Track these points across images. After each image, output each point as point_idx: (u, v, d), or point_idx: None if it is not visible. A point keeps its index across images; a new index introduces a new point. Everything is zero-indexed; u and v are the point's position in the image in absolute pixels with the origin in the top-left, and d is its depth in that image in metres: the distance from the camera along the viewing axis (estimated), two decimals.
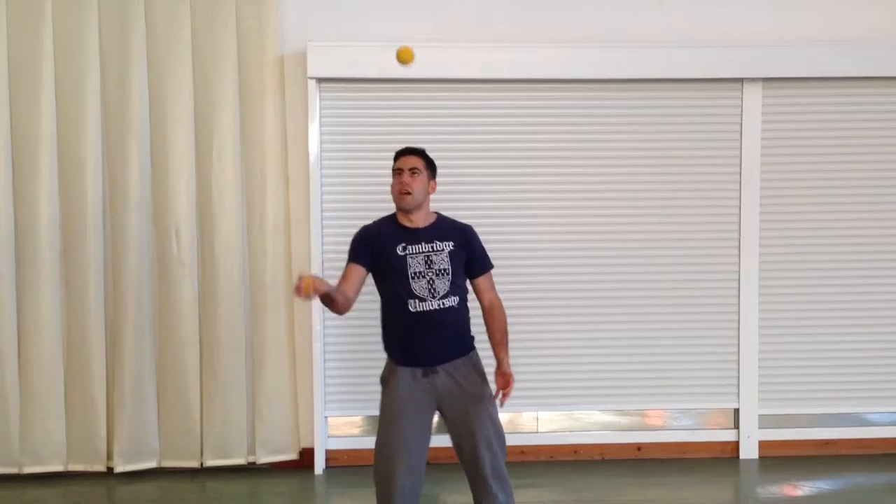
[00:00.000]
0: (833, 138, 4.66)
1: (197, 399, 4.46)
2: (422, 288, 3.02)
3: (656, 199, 4.64)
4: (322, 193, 4.50)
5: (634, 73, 4.51)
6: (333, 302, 3.02)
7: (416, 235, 3.08)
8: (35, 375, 4.39)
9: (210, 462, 4.48)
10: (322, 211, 4.49)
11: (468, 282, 3.18)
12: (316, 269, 4.44)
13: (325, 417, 4.55)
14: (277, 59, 4.45)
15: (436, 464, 4.58)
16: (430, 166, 3.20)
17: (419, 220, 3.11)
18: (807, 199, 4.68)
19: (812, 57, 4.53)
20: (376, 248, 3.09)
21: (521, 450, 4.66)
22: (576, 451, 4.71)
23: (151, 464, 4.48)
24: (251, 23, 4.41)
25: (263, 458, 4.50)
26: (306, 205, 4.47)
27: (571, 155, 4.60)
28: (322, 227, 4.49)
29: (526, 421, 4.78)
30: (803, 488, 4.24)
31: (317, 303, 4.37)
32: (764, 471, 4.53)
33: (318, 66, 4.38)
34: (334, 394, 4.57)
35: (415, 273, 3.02)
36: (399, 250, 3.05)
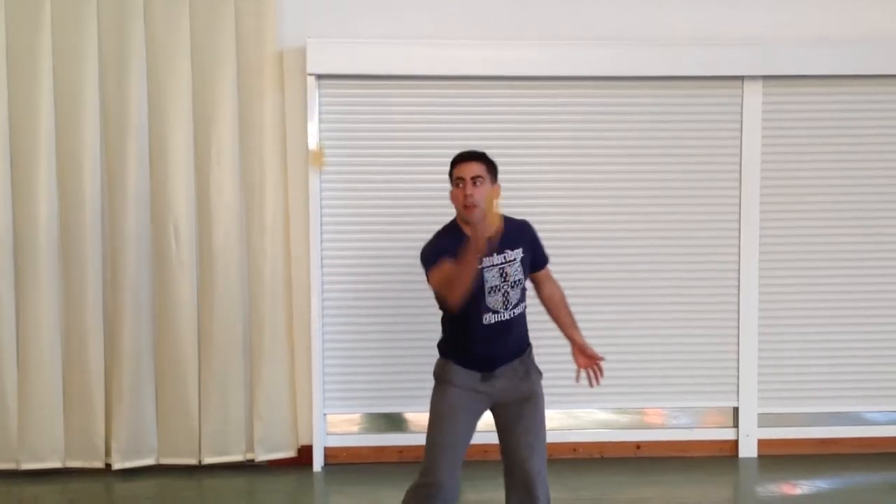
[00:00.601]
0: (834, 137, 4.65)
1: (195, 396, 4.45)
2: (496, 301, 2.95)
3: (655, 198, 4.63)
4: (321, 190, 4.49)
5: (634, 71, 4.50)
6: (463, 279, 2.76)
7: (488, 247, 2.84)
8: (33, 372, 4.38)
9: (208, 459, 4.48)
10: (321, 208, 4.49)
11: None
12: (315, 267, 4.44)
13: (324, 415, 4.54)
14: (276, 55, 4.44)
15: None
16: (492, 170, 3.01)
17: (487, 229, 2.80)
18: (807, 198, 4.67)
19: (813, 55, 4.52)
20: (453, 255, 2.82)
21: None
22: (575, 450, 4.70)
23: (150, 461, 4.47)
24: (250, 19, 4.40)
25: (262, 456, 4.49)
26: (305, 202, 4.45)
27: (571, 153, 4.59)
28: (321, 225, 4.48)
29: None
30: (802, 487, 4.24)
31: (316, 299, 4.39)
32: (763, 469, 4.53)
33: (318, 62, 4.36)
34: (333, 391, 4.57)
35: (491, 287, 2.92)
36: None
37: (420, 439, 4.85)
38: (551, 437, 4.63)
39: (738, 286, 4.66)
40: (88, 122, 4.35)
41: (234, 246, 4.43)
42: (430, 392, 4.62)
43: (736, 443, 4.72)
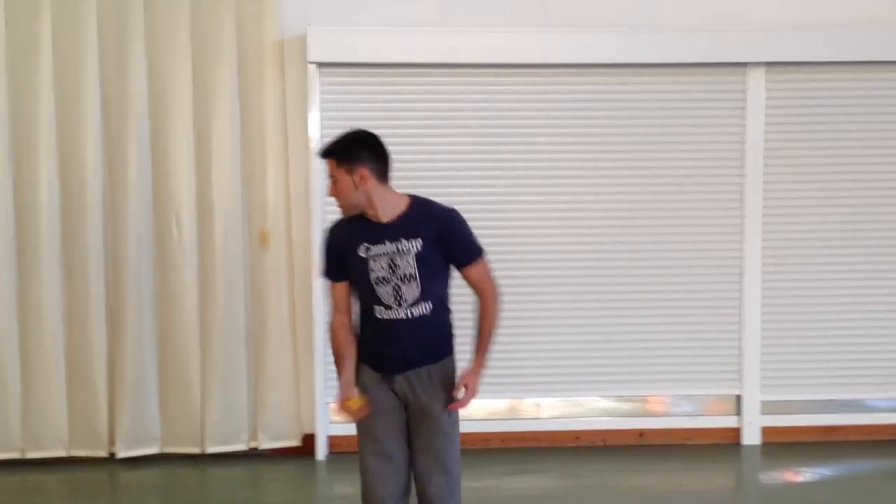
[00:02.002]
0: (838, 123, 4.62)
1: (198, 385, 4.46)
2: (387, 294, 2.62)
3: (658, 185, 4.61)
4: (323, 179, 4.47)
5: (637, 58, 4.47)
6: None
7: (379, 233, 2.63)
8: (36, 361, 4.39)
9: (211, 448, 4.48)
10: (323, 196, 4.47)
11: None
12: (315, 254, 4.43)
13: (327, 403, 4.54)
14: (277, 43, 4.42)
15: None
16: (346, 160, 2.62)
17: (384, 213, 2.63)
18: (810, 185, 4.64)
19: (817, 41, 4.48)
20: (342, 251, 2.70)
21: (522, 436, 4.67)
22: (577, 438, 4.70)
23: (153, 450, 4.48)
24: (250, 7, 4.38)
25: (265, 445, 4.50)
26: (307, 190, 4.45)
27: (573, 141, 4.57)
28: (323, 213, 4.47)
29: (527, 407, 4.77)
30: (805, 474, 4.24)
31: (317, 289, 4.39)
32: (766, 457, 4.52)
33: (319, 50, 4.34)
34: (336, 380, 4.54)
35: (378, 279, 2.61)
36: (361, 252, 2.63)
37: None
38: (554, 425, 4.70)
39: (741, 274, 4.64)
40: (89, 111, 4.35)
41: (237, 235, 4.42)
42: None
43: (739, 430, 4.71)
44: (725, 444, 4.69)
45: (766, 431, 4.71)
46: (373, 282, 2.62)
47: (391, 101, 4.50)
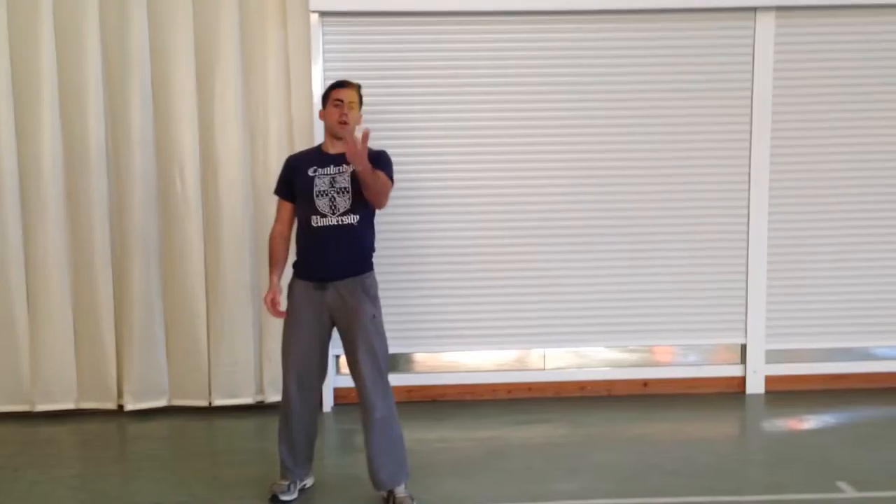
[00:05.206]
0: (849, 69, 4.56)
1: (204, 338, 4.48)
2: (324, 205, 3.20)
3: (664, 134, 4.57)
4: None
5: (644, 4, 4.40)
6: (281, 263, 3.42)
7: (328, 160, 3.28)
8: (44, 315, 4.41)
9: (219, 401, 4.52)
10: None
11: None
12: None
13: (336, 356, 4.56)
14: None
15: (443, 401, 4.63)
16: (361, 100, 3.40)
17: (341, 148, 3.23)
18: (819, 133, 4.60)
19: None
20: (294, 173, 3.32)
21: (529, 386, 4.70)
22: (582, 388, 4.73)
23: (161, 402, 4.53)
24: None
25: (272, 398, 4.53)
26: (310, 141, 4.39)
27: (581, 88, 4.52)
28: None
29: (533, 358, 4.79)
30: (809, 422, 4.26)
31: None
32: (770, 405, 4.55)
33: None
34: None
35: (319, 192, 3.21)
36: (310, 172, 3.26)
37: (427, 379, 4.91)
38: (560, 376, 4.73)
39: (748, 223, 4.62)
40: (90, 63, 4.30)
41: (240, 187, 4.40)
42: (435, 334, 4.67)
43: (743, 379, 4.74)
44: (730, 393, 4.72)
45: (770, 380, 4.74)
46: (315, 195, 3.21)
47: (396, 52, 4.45)
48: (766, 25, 4.48)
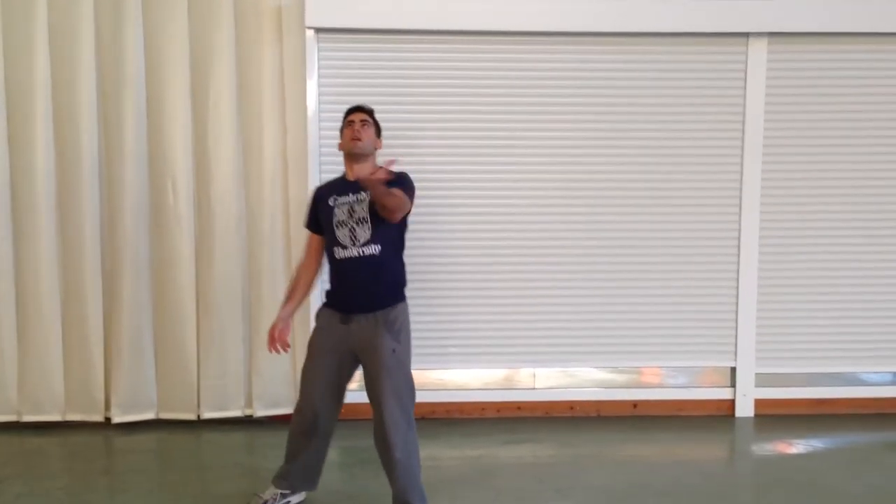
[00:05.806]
0: (840, 95, 4.61)
1: (194, 351, 4.47)
2: (344, 236, 3.17)
3: (655, 157, 4.60)
4: (320, 147, 4.45)
5: (638, 27, 4.44)
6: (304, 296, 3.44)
7: (347, 187, 3.27)
8: (33, 326, 4.39)
9: (207, 414, 4.50)
10: (321, 164, 4.45)
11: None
12: None
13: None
14: (275, 8, 4.37)
15: (432, 418, 4.62)
16: (377, 125, 3.41)
17: (361, 173, 3.15)
18: (809, 158, 4.64)
19: (820, 11, 4.44)
20: (318, 204, 3.32)
21: (518, 406, 4.69)
22: (572, 408, 4.73)
23: (149, 415, 4.50)
24: None
25: (261, 412, 4.52)
26: (304, 156, 4.41)
27: (572, 110, 4.55)
28: (320, 181, 4.44)
29: (523, 377, 4.79)
30: (798, 446, 4.27)
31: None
32: (759, 429, 4.55)
33: (317, 15, 4.29)
34: None
35: (338, 222, 3.20)
36: (330, 202, 3.25)
37: (421, 396, 4.91)
38: (549, 396, 4.72)
39: (738, 247, 4.65)
40: (84, 76, 4.31)
41: (232, 200, 4.40)
42: (425, 351, 4.67)
43: (733, 402, 4.75)
44: (719, 416, 4.73)
45: (760, 403, 4.75)
46: (335, 225, 3.19)
47: (391, 69, 4.46)
48: (758, 51, 4.52)
